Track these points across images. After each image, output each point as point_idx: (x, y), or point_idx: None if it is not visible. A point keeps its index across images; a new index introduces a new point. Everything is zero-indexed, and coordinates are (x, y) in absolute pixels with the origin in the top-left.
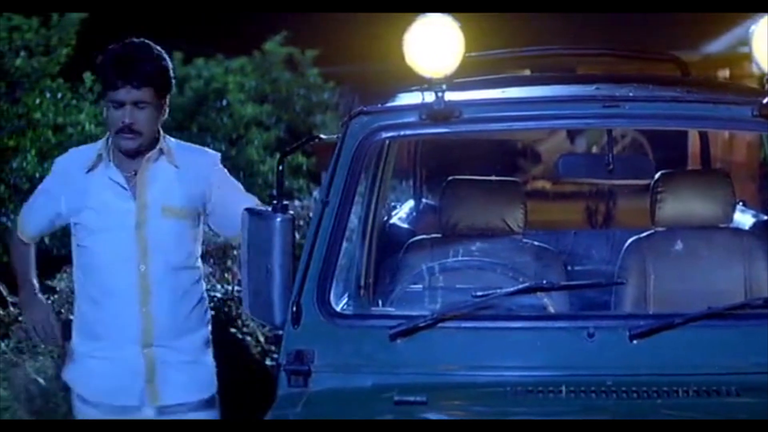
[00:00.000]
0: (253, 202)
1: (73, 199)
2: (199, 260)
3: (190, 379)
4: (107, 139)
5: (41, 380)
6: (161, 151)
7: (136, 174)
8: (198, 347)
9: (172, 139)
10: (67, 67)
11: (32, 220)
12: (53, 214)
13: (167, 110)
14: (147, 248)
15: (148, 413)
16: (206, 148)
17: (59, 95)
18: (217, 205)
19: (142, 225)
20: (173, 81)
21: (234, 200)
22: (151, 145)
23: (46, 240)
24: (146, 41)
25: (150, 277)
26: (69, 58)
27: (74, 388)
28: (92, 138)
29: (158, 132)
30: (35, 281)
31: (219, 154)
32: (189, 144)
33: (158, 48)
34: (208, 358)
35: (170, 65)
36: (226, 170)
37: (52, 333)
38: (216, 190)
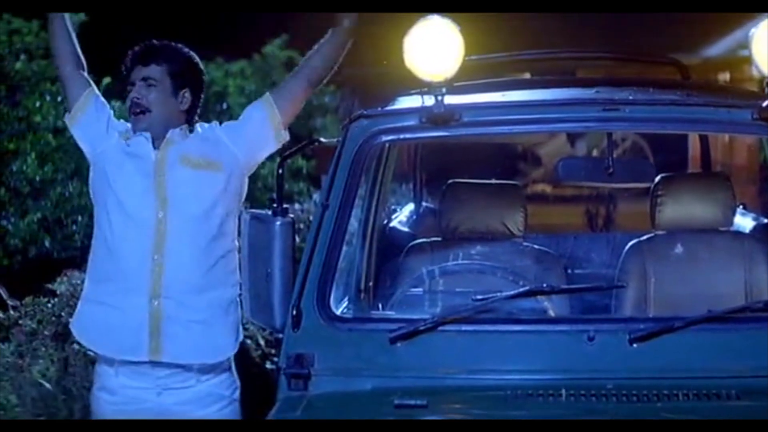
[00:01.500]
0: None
1: (111, 136)
2: (232, 218)
3: (197, 340)
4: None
5: (46, 383)
6: (180, 131)
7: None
8: (214, 307)
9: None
10: None
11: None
12: (103, 118)
13: (187, 102)
14: (166, 195)
15: (160, 374)
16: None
17: (59, 98)
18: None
19: (161, 172)
20: (196, 74)
21: (250, 119)
22: (164, 131)
23: (47, 243)
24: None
25: (167, 225)
26: None
27: (80, 340)
28: None
29: (178, 122)
30: None
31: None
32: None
33: (186, 48)
34: (226, 320)
35: (196, 60)
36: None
37: None
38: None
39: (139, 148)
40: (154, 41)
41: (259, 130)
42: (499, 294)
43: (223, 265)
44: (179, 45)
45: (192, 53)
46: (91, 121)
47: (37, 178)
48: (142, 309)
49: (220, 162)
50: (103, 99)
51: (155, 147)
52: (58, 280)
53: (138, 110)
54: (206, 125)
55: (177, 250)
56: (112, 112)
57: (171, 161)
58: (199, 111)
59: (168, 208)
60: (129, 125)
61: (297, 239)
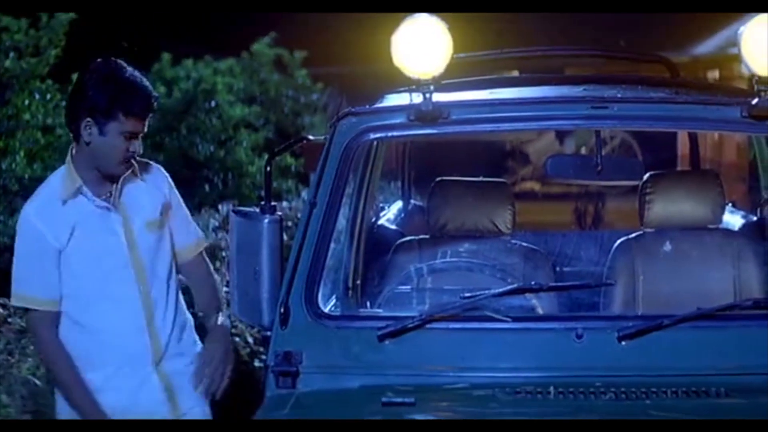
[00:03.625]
0: (197, 233)
1: (58, 228)
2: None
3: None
4: (72, 167)
5: (37, 381)
6: (132, 171)
7: (110, 195)
8: (191, 339)
9: None
10: (56, 68)
11: (43, 280)
12: (54, 255)
13: None
14: (143, 267)
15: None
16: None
17: (48, 96)
18: (173, 218)
19: (134, 245)
20: None
21: (186, 216)
22: None
23: None
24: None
25: (151, 295)
26: (58, 59)
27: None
28: None
29: None
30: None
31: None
32: (141, 159)
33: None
34: (198, 342)
35: None
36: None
37: None
38: (172, 201)
39: (104, 223)
40: (142, 80)
41: (177, 241)
42: (487, 292)
43: (180, 298)
44: (146, 81)
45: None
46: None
47: (26, 176)
48: (150, 378)
49: (167, 217)
50: (46, 258)
51: (100, 195)
52: None
53: (129, 163)
54: (150, 169)
55: (162, 313)
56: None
57: (138, 230)
58: (189, 109)
59: (147, 279)
60: (61, 182)
61: (285, 237)
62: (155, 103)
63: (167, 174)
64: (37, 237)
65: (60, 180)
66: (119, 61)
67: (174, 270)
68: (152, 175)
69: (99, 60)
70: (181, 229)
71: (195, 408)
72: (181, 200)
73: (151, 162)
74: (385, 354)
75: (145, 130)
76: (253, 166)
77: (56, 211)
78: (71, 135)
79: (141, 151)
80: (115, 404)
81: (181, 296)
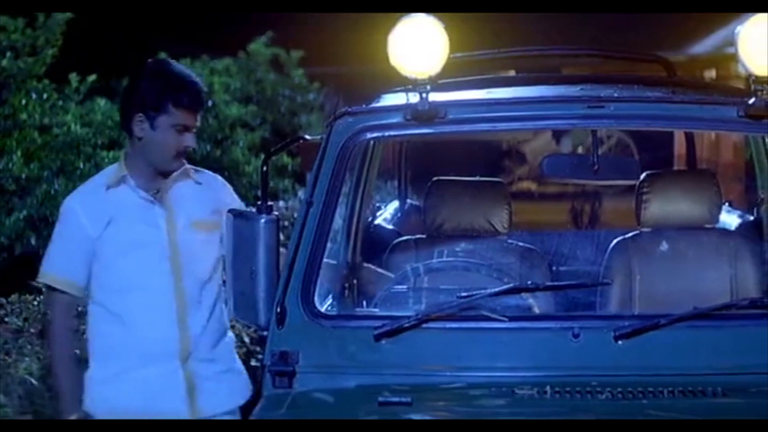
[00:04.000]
0: None
1: (97, 216)
2: (220, 273)
3: (228, 387)
4: (125, 162)
5: (34, 381)
6: (185, 171)
7: (158, 192)
8: (229, 353)
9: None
10: (53, 67)
11: (71, 263)
12: (88, 242)
13: None
14: (181, 263)
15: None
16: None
17: (45, 96)
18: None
19: (175, 240)
20: None
21: None
22: None
23: (33, 240)
24: None
25: (186, 292)
26: (55, 59)
27: (104, 416)
28: (78, 139)
29: None
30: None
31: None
32: (199, 168)
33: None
34: (239, 362)
35: None
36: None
37: None
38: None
39: (146, 215)
40: (192, 74)
41: None
42: (483, 291)
43: (224, 310)
44: (197, 77)
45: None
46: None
47: (23, 176)
48: (175, 374)
49: (221, 221)
50: (77, 243)
51: (148, 190)
52: None
53: (182, 157)
54: (206, 174)
55: (198, 313)
56: (81, 234)
57: (182, 227)
58: None
59: (184, 276)
60: (110, 175)
61: (282, 237)
62: (205, 98)
63: (229, 187)
64: (73, 221)
65: (109, 171)
66: (169, 59)
67: (218, 277)
68: (209, 181)
69: (149, 59)
70: None
71: (221, 415)
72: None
73: (211, 173)
74: (381, 353)
75: (197, 124)
76: (249, 166)
77: (98, 198)
78: (126, 133)
79: (195, 146)
80: (135, 394)
81: (224, 308)
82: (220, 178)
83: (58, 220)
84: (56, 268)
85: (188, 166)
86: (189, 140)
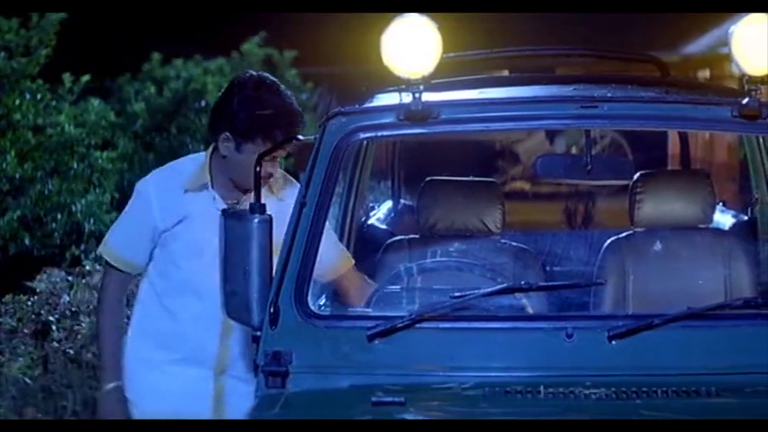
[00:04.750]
0: (343, 250)
1: (169, 212)
2: None
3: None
4: (210, 165)
5: (27, 380)
6: (268, 186)
7: (237, 203)
8: None
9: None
10: (47, 67)
11: (133, 245)
12: (153, 231)
13: None
14: None
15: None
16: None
17: (39, 96)
18: None
19: None
20: None
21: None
22: None
23: (27, 240)
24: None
25: None
26: (48, 59)
27: (138, 405)
28: (72, 139)
29: None
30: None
31: None
32: (290, 177)
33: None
34: None
35: None
36: None
37: None
38: None
39: (214, 224)
40: (291, 116)
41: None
42: (477, 291)
43: None
44: (295, 104)
45: None
46: (150, 242)
47: (17, 176)
48: (207, 382)
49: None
50: (142, 225)
51: (226, 200)
52: (38, 277)
53: (265, 181)
54: (288, 187)
55: (241, 334)
56: (150, 217)
57: None
58: (179, 109)
59: None
60: (192, 172)
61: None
62: (300, 124)
63: None
64: (145, 207)
65: (191, 170)
66: (272, 80)
67: None
68: (289, 195)
69: (251, 75)
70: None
71: None
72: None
73: (294, 181)
74: (374, 354)
75: (285, 154)
76: None
77: (175, 196)
78: (211, 138)
79: (277, 174)
80: (170, 388)
81: None
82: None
83: (131, 200)
84: (118, 245)
85: (278, 175)
86: (273, 168)
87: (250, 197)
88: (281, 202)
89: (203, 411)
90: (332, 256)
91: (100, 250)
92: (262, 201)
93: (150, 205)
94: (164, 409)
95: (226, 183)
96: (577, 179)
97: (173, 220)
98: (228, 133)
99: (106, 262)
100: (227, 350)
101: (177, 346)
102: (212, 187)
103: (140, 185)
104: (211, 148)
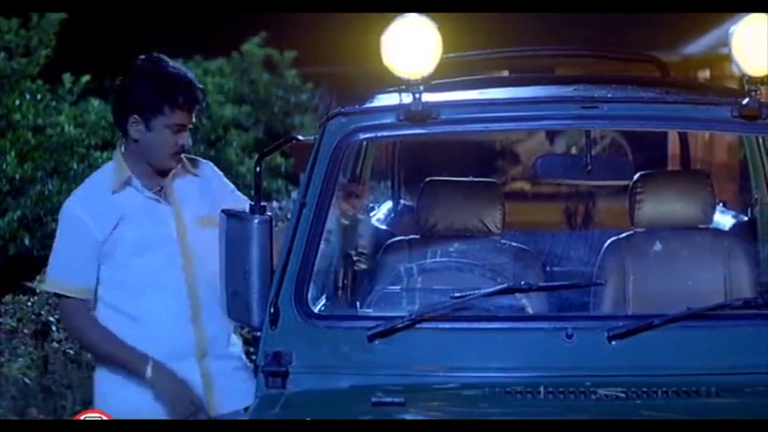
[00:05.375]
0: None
1: (103, 219)
2: None
3: (243, 384)
4: (123, 161)
5: (27, 380)
6: (182, 165)
7: (161, 189)
8: (239, 350)
9: None
10: (47, 68)
11: (79, 269)
12: (94, 246)
13: None
14: (192, 261)
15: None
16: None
17: (39, 96)
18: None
19: (185, 238)
20: None
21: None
22: None
23: (27, 241)
24: None
25: (199, 290)
26: (48, 59)
27: (123, 417)
28: (72, 139)
29: None
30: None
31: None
32: (191, 156)
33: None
34: (246, 360)
35: None
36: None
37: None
38: (226, 198)
39: (154, 214)
40: (187, 72)
41: None
42: (477, 292)
43: None
44: (191, 73)
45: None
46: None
47: (17, 176)
48: (192, 371)
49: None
50: (83, 248)
51: (151, 189)
52: (38, 278)
53: (179, 155)
54: (199, 163)
55: (211, 310)
56: (89, 238)
57: (189, 223)
58: None
59: (195, 274)
60: (111, 173)
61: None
62: (201, 94)
63: (217, 169)
64: (77, 226)
65: (108, 173)
66: (161, 56)
67: None
68: (205, 172)
69: (140, 57)
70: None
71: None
72: (234, 190)
73: (200, 159)
74: (374, 354)
75: (193, 121)
76: (243, 166)
77: (103, 201)
78: (120, 132)
79: (191, 144)
80: (151, 395)
81: None
82: (211, 165)
83: (59, 227)
84: (63, 275)
85: (183, 157)
86: (184, 138)
87: (172, 179)
88: (198, 178)
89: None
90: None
91: (46, 287)
92: (180, 179)
93: (81, 221)
94: (154, 413)
95: (145, 171)
96: (577, 179)
97: (110, 226)
98: (135, 116)
99: (57, 295)
100: (202, 332)
101: (151, 348)
102: (135, 179)
103: (63, 211)
104: (121, 146)
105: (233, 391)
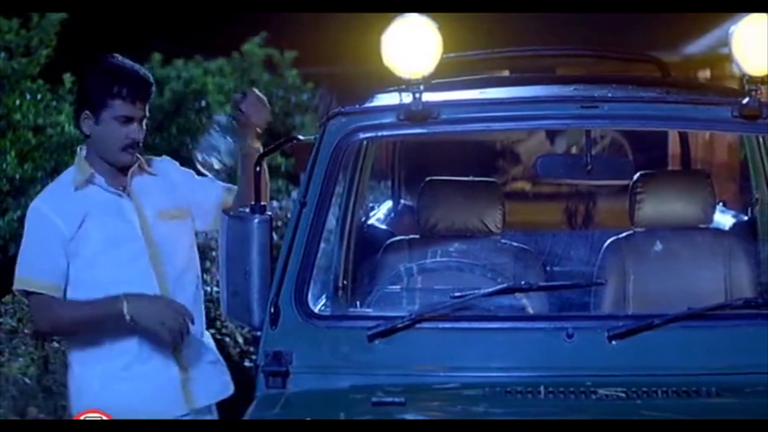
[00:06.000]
0: (217, 185)
1: (69, 215)
2: (197, 260)
3: (218, 378)
4: (84, 160)
5: (27, 380)
6: (139, 165)
7: (124, 189)
8: (213, 344)
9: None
10: (47, 68)
11: (48, 266)
12: (62, 242)
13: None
14: (158, 254)
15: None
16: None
17: (39, 96)
18: (192, 197)
19: (148, 233)
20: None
21: (203, 188)
22: None
23: None
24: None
25: (167, 283)
26: (49, 59)
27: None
28: (72, 139)
29: None
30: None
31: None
32: (147, 156)
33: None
34: (221, 358)
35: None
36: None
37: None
38: (187, 185)
39: (118, 210)
40: (134, 65)
41: (209, 203)
42: (477, 291)
43: (203, 305)
44: (140, 68)
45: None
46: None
47: (17, 176)
48: (170, 367)
49: (188, 208)
50: (51, 245)
51: (114, 186)
52: None
53: (131, 149)
54: (155, 161)
55: (182, 303)
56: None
57: (152, 218)
58: (179, 109)
59: (163, 267)
60: (75, 172)
61: (275, 237)
62: (150, 87)
63: (172, 161)
64: (44, 223)
65: (71, 173)
66: (114, 54)
67: (195, 265)
68: (161, 168)
69: (94, 57)
70: (206, 188)
71: (206, 416)
72: (192, 174)
73: (155, 157)
74: (375, 354)
75: (144, 114)
76: None
77: (67, 199)
78: (78, 128)
79: (141, 137)
80: (134, 395)
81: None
82: (166, 158)
83: (26, 226)
84: (36, 272)
85: (139, 157)
86: (134, 132)
87: (131, 178)
88: (155, 175)
89: (174, 398)
90: (218, 193)
91: (15, 286)
92: (138, 178)
93: (48, 219)
94: (135, 412)
95: (105, 170)
96: (578, 179)
97: (76, 223)
98: (87, 111)
99: (26, 294)
100: None
101: (124, 347)
102: (98, 176)
103: (29, 211)
104: (83, 149)
105: (209, 384)
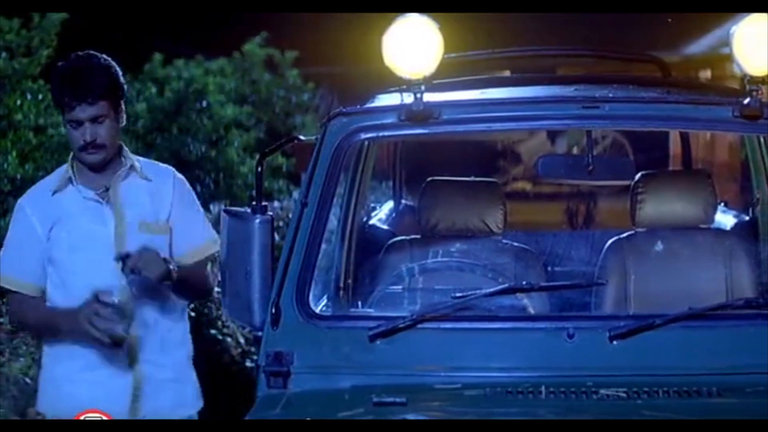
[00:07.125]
0: (209, 232)
1: (44, 216)
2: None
3: (174, 397)
4: (71, 161)
5: (28, 380)
6: (132, 168)
7: (107, 190)
8: (182, 364)
9: (136, 156)
10: (48, 68)
11: (25, 265)
12: (39, 243)
13: (124, 117)
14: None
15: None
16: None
17: (40, 96)
18: (175, 222)
19: (122, 240)
20: (124, 87)
21: (192, 220)
22: (115, 157)
23: None
24: (91, 53)
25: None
26: (50, 60)
27: (55, 417)
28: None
29: (120, 145)
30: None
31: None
32: (151, 160)
33: (104, 57)
34: (193, 375)
35: (119, 71)
36: (188, 185)
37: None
38: (176, 204)
39: (92, 215)
40: (82, 65)
41: (192, 240)
42: (478, 291)
43: (183, 320)
44: (103, 59)
45: (113, 63)
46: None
47: (18, 176)
48: (124, 376)
49: (168, 224)
50: (29, 246)
51: (96, 189)
52: None
53: (94, 150)
54: (156, 166)
55: (145, 315)
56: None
57: (130, 226)
58: (180, 109)
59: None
60: (60, 174)
61: (276, 237)
62: (110, 81)
63: (179, 176)
64: (24, 223)
65: (56, 174)
66: (77, 54)
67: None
68: (161, 178)
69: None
70: (184, 231)
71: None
72: (193, 203)
73: (161, 164)
74: (376, 354)
75: (108, 112)
76: (244, 166)
77: (45, 201)
78: None
79: (105, 135)
80: (81, 398)
81: (185, 319)
82: (173, 173)
83: (11, 223)
84: (14, 271)
85: (137, 160)
86: (88, 133)
87: (119, 180)
88: (150, 182)
89: (120, 410)
90: (205, 237)
91: None
92: (128, 181)
93: (27, 216)
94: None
95: (85, 171)
96: (579, 179)
97: (48, 226)
98: (62, 116)
99: (7, 292)
100: (135, 338)
101: (83, 351)
102: (77, 180)
103: (15, 208)
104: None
105: (160, 402)
